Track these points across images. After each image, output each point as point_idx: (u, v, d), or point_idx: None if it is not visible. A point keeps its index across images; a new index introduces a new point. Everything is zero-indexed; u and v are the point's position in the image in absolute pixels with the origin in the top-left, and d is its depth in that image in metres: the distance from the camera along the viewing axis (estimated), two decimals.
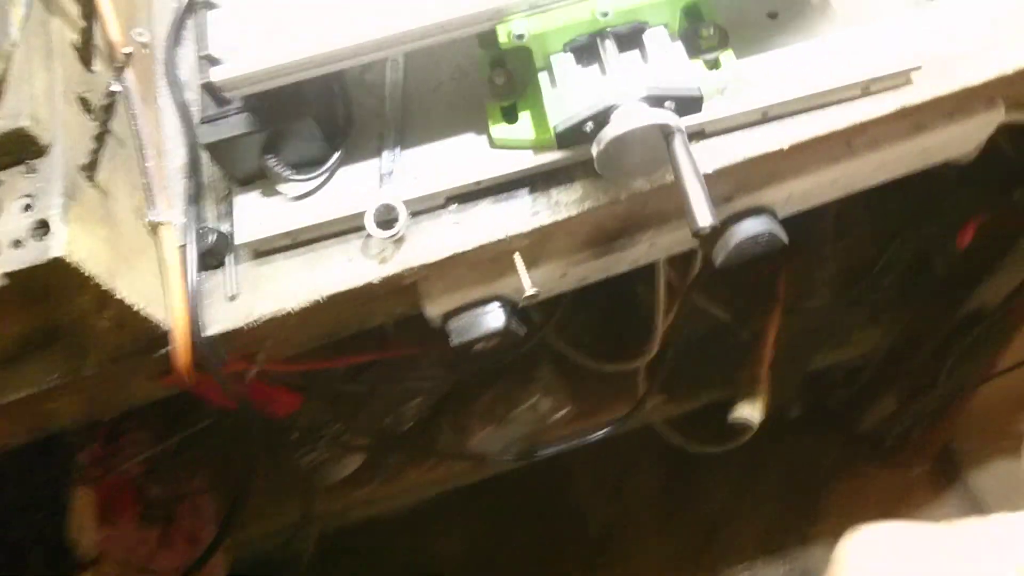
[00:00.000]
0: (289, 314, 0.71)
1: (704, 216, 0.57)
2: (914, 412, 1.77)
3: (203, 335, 0.70)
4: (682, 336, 1.27)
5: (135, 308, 0.64)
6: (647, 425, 1.60)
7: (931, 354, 1.57)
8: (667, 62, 0.64)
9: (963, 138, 0.80)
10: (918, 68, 0.69)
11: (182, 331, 0.68)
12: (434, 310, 0.77)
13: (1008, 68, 0.70)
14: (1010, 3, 0.73)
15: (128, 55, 0.61)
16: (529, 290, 0.74)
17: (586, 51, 0.67)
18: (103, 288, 0.60)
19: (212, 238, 0.71)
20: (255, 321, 0.71)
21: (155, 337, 0.69)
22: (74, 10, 0.66)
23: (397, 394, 1.27)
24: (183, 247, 0.71)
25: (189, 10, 0.82)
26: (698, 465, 1.84)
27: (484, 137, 0.72)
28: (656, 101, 0.61)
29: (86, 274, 0.58)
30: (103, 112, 0.60)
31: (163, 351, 0.70)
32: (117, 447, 1.12)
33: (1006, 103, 0.77)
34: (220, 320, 0.71)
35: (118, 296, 0.62)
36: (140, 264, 0.67)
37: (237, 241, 0.71)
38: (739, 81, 0.69)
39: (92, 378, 0.71)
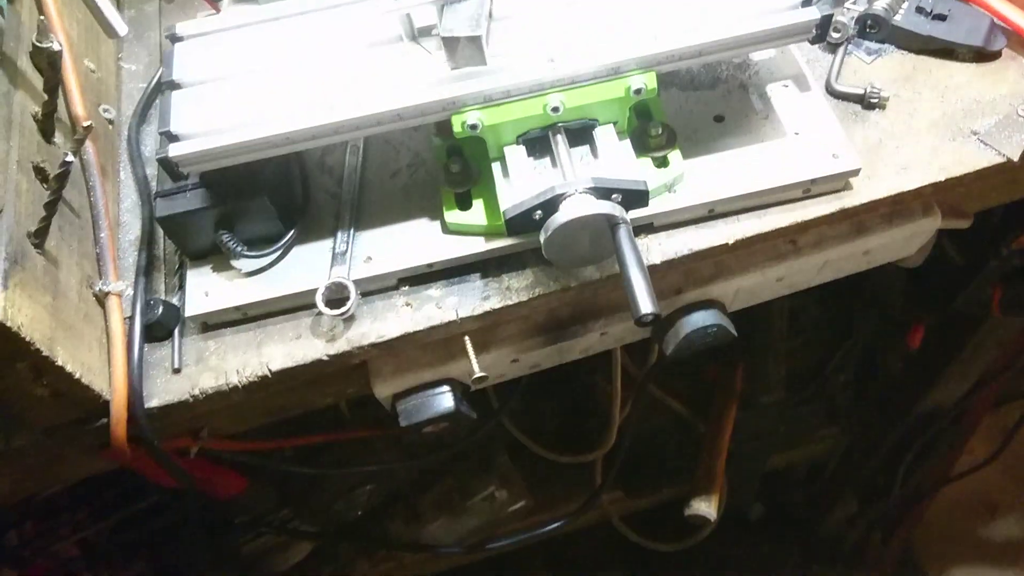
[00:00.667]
0: (234, 389, 0.70)
1: (646, 304, 0.58)
2: (873, 515, 1.76)
3: (144, 407, 0.69)
4: (639, 429, 1.27)
5: (75, 376, 0.63)
6: (606, 520, 1.58)
7: (888, 454, 1.58)
8: (616, 158, 0.67)
9: (904, 241, 0.83)
10: (856, 172, 0.72)
11: (121, 402, 0.67)
12: (383, 391, 0.77)
13: (942, 176, 0.73)
14: (947, 111, 0.77)
15: (88, 128, 0.62)
16: (478, 373, 0.74)
17: (538, 144, 0.69)
18: (43, 354, 0.60)
19: (160, 310, 0.71)
20: (199, 395, 0.70)
21: (94, 408, 0.68)
22: (39, 83, 0.68)
23: (349, 479, 1.24)
24: (130, 318, 0.71)
25: (157, 90, 0.85)
26: (658, 566, 1.80)
27: (438, 222, 0.73)
28: (604, 193, 0.63)
29: (25, 339, 0.57)
30: (56, 181, 0.61)
31: (102, 422, 0.69)
32: (50, 526, 1.08)
33: (943, 210, 0.80)
34: (163, 393, 0.70)
35: (58, 363, 0.61)
36: (85, 333, 0.67)
37: (187, 314, 0.71)
38: (686, 178, 0.72)
39: (25, 450, 0.70)
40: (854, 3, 0.84)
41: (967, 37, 0.79)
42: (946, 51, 0.81)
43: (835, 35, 0.81)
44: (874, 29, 0.81)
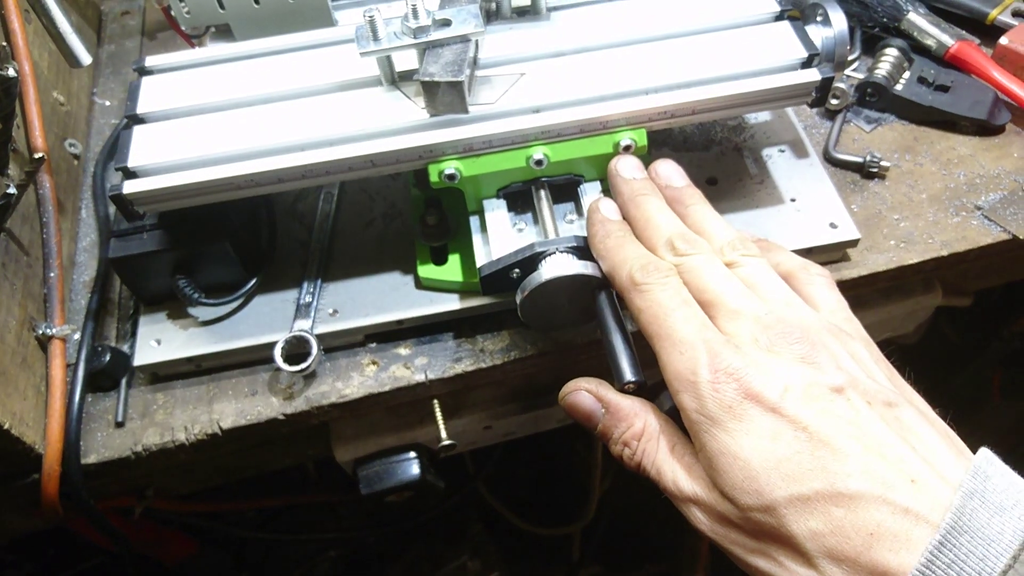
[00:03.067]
0: (181, 447, 0.65)
1: (629, 372, 0.53)
2: None
3: (80, 462, 0.63)
4: (620, 502, 1.21)
5: (4, 426, 0.58)
6: None
7: None
8: None
9: (902, 318, 0.79)
10: (855, 243, 0.68)
11: (55, 456, 0.61)
12: (345, 455, 0.72)
13: (944, 251, 0.70)
14: (949, 184, 0.74)
15: (39, 160, 0.58)
16: (446, 441, 0.69)
17: (520, 199, 0.65)
18: None
19: (107, 357, 0.66)
20: (141, 452, 0.65)
21: (25, 461, 0.62)
22: None
23: (310, 545, 1.17)
24: (74, 365, 0.66)
25: (128, 127, 0.81)
26: None
27: (411, 277, 0.69)
28: (587, 253, 0.59)
29: None
30: None
31: (33, 478, 0.64)
32: None
33: (943, 286, 0.77)
34: (102, 448, 0.65)
35: None
36: (20, 380, 0.61)
37: (136, 363, 0.66)
38: None
39: None
40: (854, 70, 0.81)
41: (971, 110, 0.76)
42: (948, 123, 0.78)
43: (834, 101, 0.78)
44: (874, 97, 0.79)
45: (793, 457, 0.42)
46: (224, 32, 0.74)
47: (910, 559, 0.38)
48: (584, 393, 0.55)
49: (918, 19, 0.80)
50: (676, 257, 0.52)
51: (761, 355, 0.46)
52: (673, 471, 0.49)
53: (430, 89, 0.59)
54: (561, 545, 1.34)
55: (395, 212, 0.74)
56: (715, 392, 0.45)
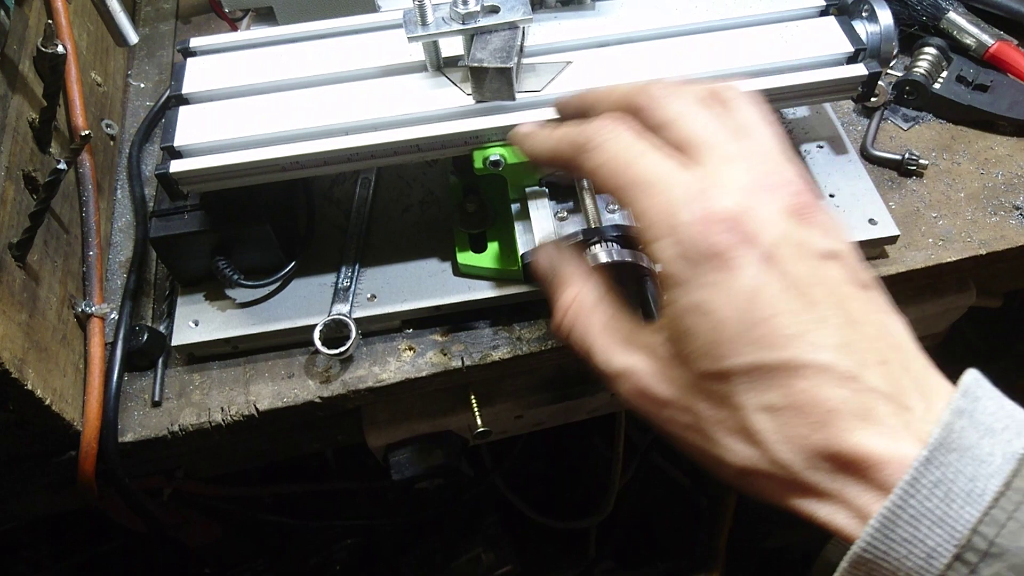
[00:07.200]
0: (217, 427, 0.65)
1: None
2: None
3: (117, 441, 0.63)
4: (638, 498, 1.21)
5: (45, 402, 0.58)
6: None
7: None
8: None
9: (935, 317, 0.78)
10: (895, 239, 0.68)
11: (92, 433, 0.61)
12: (377, 440, 0.72)
13: (983, 250, 0.70)
14: (987, 183, 0.74)
15: (86, 137, 0.58)
16: (481, 428, 0.69)
17: (562, 188, 0.65)
18: (11, 376, 0.54)
19: (144, 337, 0.66)
20: (178, 432, 0.65)
21: (63, 438, 0.62)
22: (39, 90, 0.64)
23: (328, 533, 1.17)
24: (112, 344, 0.66)
25: (163, 109, 0.81)
26: None
27: (448, 264, 0.69)
28: (630, 242, 0.59)
29: None
30: (45, 190, 0.56)
31: (69, 455, 0.64)
32: (7, 564, 1.01)
33: (977, 286, 0.76)
34: (138, 427, 0.65)
35: (27, 387, 0.56)
36: (60, 357, 0.61)
37: (173, 343, 0.66)
38: None
39: None
40: (892, 68, 0.81)
41: (1010, 110, 0.76)
42: (986, 123, 0.78)
43: (873, 99, 0.78)
44: (912, 96, 0.79)
45: (770, 319, 0.38)
46: (265, 16, 0.74)
47: (866, 440, 0.35)
48: (544, 253, 0.51)
49: (958, 18, 0.80)
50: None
51: (754, 200, 0.40)
52: (606, 344, 0.44)
53: (478, 75, 0.59)
54: (576, 540, 1.34)
55: (432, 199, 0.74)
56: (702, 234, 0.39)
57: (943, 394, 0.38)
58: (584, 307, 0.47)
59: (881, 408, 0.36)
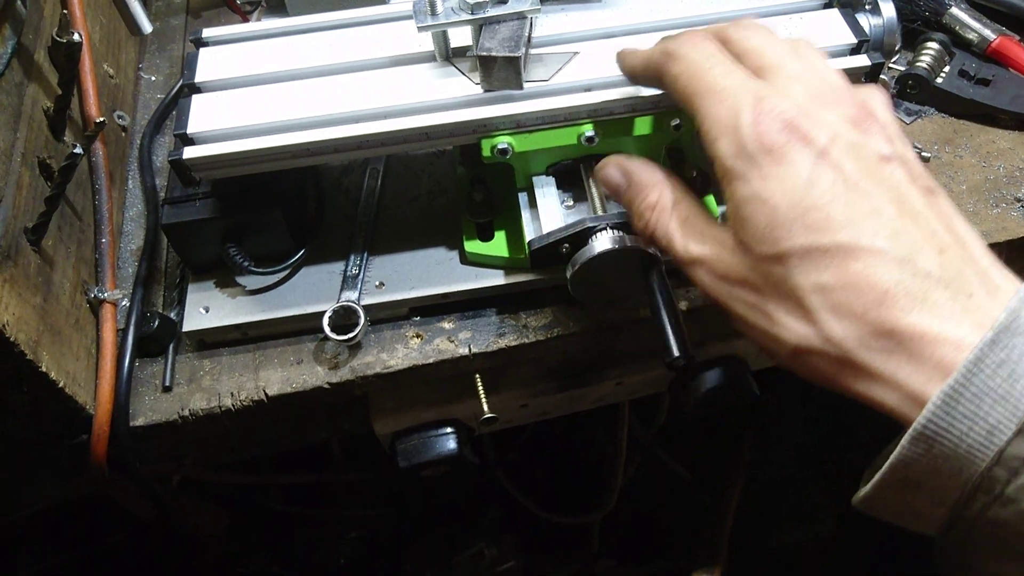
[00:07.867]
0: (226, 412, 0.66)
1: (676, 347, 0.54)
2: None
3: (129, 424, 0.64)
4: (641, 493, 1.21)
5: (58, 385, 0.59)
6: None
7: (888, 537, 1.51)
8: None
9: None
10: None
11: (104, 416, 0.62)
12: (384, 428, 0.72)
13: (985, 241, 0.70)
14: (989, 176, 0.74)
15: (100, 124, 0.59)
16: (488, 414, 0.70)
17: (568, 176, 0.66)
18: (26, 358, 0.55)
19: (155, 323, 0.67)
20: (188, 417, 0.66)
21: (76, 421, 0.63)
22: (54, 79, 0.65)
23: (333, 525, 1.18)
24: (123, 330, 0.67)
25: (174, 101, 0.82)
26: None
27: (455, 253, 0.70)
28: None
29: (9, 339, 0.53)
30: (61, 175, 0.57)
31: (81, 439, 0.64)
32: (9, 556, 1.01)
33: None
34: (149, 412, 0.66)
35: (41, 369, 0.57)
36: (73, 341, 0.62)
37: (184, 329, 0.67)
38: None
39: None
40: (895, 62, 0.82)
41: (1012, 104, 0.77)
42: (988, 116, 0.79)
43: None
44: (915, 90, 0.79)
45: (824, 207, 0.40)
46: (275, 8, 0.75)
47: (920, 320, 0.37)
48: (613, 166, 0.56)
49: (960, 14, 0.81)
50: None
51: (812, 107, 0.44)
52: (684, 237, 0.49)
53: (486, 64, 0.60)
54: (579, 536, 1.34)
55: (440, 189, 0.75)
56: (758, 131, 0.43)
57: (1008, 287, 0.39)
58: (665, 208, 0.52)
59: (937, 293, 0.38)
